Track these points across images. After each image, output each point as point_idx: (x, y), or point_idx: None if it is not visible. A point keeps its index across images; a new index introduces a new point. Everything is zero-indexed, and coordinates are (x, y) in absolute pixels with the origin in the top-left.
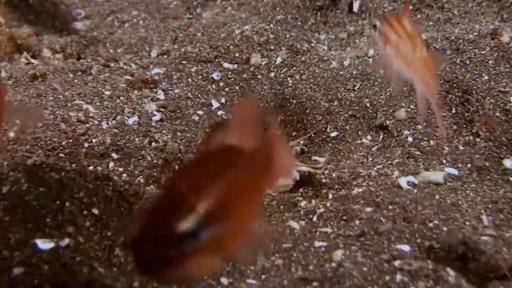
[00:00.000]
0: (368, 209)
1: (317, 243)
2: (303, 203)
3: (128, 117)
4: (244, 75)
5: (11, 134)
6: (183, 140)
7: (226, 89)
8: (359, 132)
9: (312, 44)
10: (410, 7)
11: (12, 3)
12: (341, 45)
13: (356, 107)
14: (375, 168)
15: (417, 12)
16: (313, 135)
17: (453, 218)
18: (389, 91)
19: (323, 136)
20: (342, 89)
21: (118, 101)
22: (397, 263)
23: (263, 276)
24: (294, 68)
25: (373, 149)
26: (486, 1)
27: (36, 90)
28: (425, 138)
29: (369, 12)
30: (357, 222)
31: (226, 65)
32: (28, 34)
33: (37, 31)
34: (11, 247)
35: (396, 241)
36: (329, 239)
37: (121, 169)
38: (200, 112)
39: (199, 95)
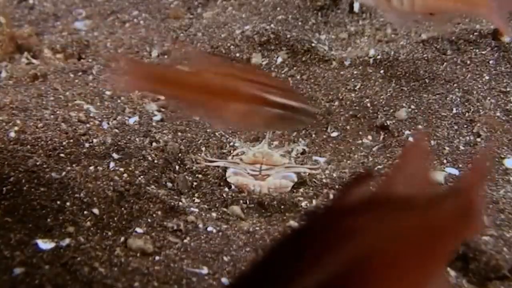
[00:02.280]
0: None
1: None
2: (304, 203)
3: (129, 117)
4: None
5: (12, 134)
6: (184, 140)
7: None
8: (360, 132)
9: (313, 44)
10: None
11: (12, 3)
12: (342, 45)
13: (357, 107)
14: (375, 168)
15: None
16: (313, 135)
17: None
18: (390, 91)
19: (324, 136)
20: (343, 89)
21: (118, 101)
22: None
23: None
24: (295, 68)
25: (373, 149)
26: None
27: (37, 90)
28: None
29: (369, 12)
30: None
31: None
32: (29, 34)
33: (37, 31)
34: (12, 247)
35: None
36: None
37: (121, 169)
38: None
39: None
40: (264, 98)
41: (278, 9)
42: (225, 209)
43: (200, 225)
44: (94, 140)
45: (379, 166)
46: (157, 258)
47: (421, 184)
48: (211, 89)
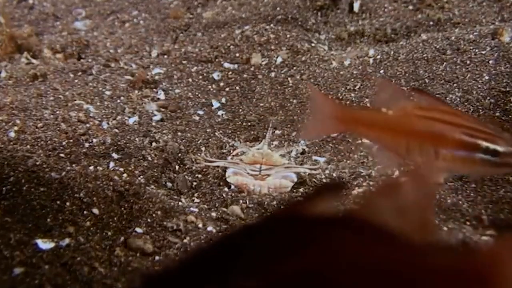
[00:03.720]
0: None
1: None
2: None
3: (129, 117)
4: (245, 75)
5: (11, 134)
6: (184, 140)
7: (227, 89)
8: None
9: (313, 44)
10: (410, 7)
11: (12, 3)
12: (341, 45)
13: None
14: (375, 168)
15: (418, 12)
16: None
17: (454, 218)
18: None
19: (324, 136)
20: (343, 89)
21: (118, 101)
22: None
23: None
24: (295, 68)
25: (373, 149)
26: (487, 1)
27: (36, 90)
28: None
29: (369, 12)
30: None
31: (226, 65)
32: (29, 34)
33: (37, 31)
34: (12, 247)
35: None
36: None
37: (121, 169)
38: (201, 112)
39: (199, 95)
40: (476, 143)
41: (278, 9)
42: (225, 209)
43: (200, 225)
44: (94, 140)
45: (379, 166)
46: (157, 258)
47: (418, 225)
48: (419, 134)
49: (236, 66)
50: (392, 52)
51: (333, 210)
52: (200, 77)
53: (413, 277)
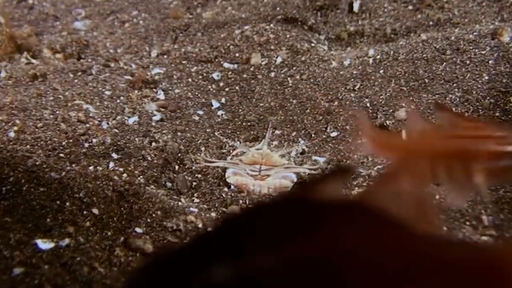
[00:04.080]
0: None
1: None
2: None
3: (128, 117)
4: (244, 75)
5: (11, 134)
6: (183, 140)
7: (226, 89)
8: (359, 132)
9: (312, 44)
10: (410, 7)
11: (12, 3)
12: (341, 45)
13: (356, 107)
14: (375, 168)
15: (417, 12)
16: (313, 135)
17: (453, 218)
18: (389, 91)
19: (323, 136)
20: (342, 89)
21: (118, 101)
22: None
23: None
24: (294, 68)
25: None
26: (486, 1)
27: (36, 90)
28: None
29: (369, 12)
30: None
31: (226, 65)
32: (28, 34)
33: (37, 31)
34: (12, 247)
35: None
36: None
37: (121, 169)
38: (200, 112)
39: (199, 95)
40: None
41: (278, 9)
42: (224, 209)
43: (200, 225)
44: (94, 140)
45: (379, 166)
46: None
47: (418, 217)
48: (450, 154)
49: (236, 66)
50: (392, 52)
51: (342, 195)
52: (200, 77)
53: (423, 266)
